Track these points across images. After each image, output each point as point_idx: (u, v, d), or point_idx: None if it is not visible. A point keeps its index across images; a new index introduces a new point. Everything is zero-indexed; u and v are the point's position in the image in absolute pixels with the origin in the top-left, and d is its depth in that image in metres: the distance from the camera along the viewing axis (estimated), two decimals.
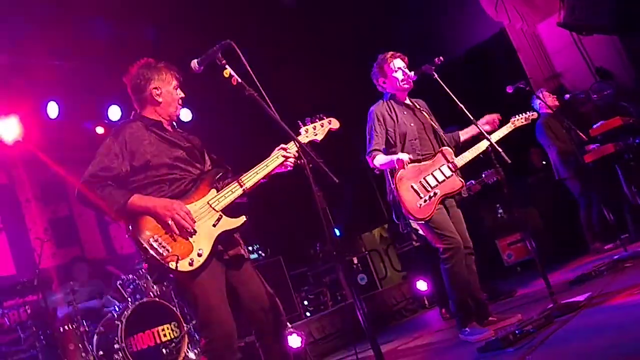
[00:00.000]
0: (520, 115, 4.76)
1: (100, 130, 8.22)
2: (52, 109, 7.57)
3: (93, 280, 6.91)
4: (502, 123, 4.65)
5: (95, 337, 5.73)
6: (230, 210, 3.16)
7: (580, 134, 5.77)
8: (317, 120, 3.53)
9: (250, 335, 6.16)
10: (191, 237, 3.00)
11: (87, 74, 7.45)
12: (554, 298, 3.82)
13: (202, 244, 3.01)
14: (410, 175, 4.27)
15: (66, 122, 7.83)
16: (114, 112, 8.12)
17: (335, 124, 3.61)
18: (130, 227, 2.98)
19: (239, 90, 2.96)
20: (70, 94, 7.69)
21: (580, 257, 6.55)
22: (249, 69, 2.95)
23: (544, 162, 7.94)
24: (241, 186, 3.18)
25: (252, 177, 3.22)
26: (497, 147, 4.15)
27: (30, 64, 6.95)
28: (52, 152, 7.46)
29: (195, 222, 3.03)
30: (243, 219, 3.14)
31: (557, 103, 6.67)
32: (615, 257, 4.98)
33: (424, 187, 4.26)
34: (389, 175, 4.36)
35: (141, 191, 3.08)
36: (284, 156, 3.26)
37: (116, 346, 5.46)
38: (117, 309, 5.92)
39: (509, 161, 4.09)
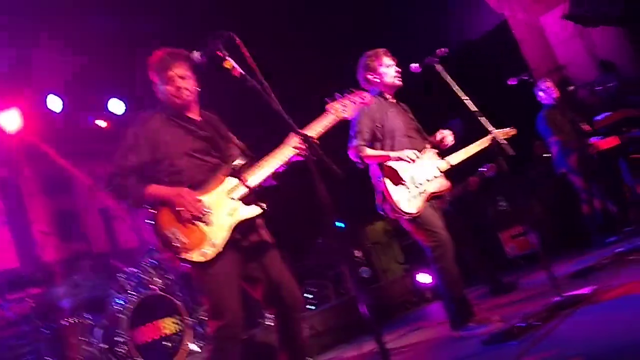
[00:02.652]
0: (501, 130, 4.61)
1: (103, 123, 8.21)
2: (56, 103, 7.57)
3: (97, 274, 6.90)
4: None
5: (99, 330, 5.74)
6: (250, 198, 3.15)
7: (584, 125, 5.75)
8: (347, 94, 3.37)
9: (252, 329, 6.19)
10: (207, 227, 3.02)
11: (90, 67, 7.44)
12: (557, 291, 3.81)
13: (217, 234, 3.02)
14: (400, 170, 4.25)
15: (70, 116, 7.84)
16: (117, 106, 8.13)
17: (368, 98, 3.44)
18: (150, 219, 3.05)
19: (242, 83, 2.95)
20: (73, 87, 7.68)
21: (583, 250, 6.53)
22: (251, 60, 2.93)
23: (546, 155, 7.92)
24: (246, 183, 3.15)
25: (265, 167, 3.18)
26: (501, 139, 4.12)
27: (33, 57, 6.94)
28: (56, 145, 7.48)
29: (208, 211, 3.05)
30: (261, 207, 3.15)
31: (559, 94, 6.61)
32: (618, 250, 4.96)
33: (413, 183, 4.22)
34: (379, 170, 4.28)
35: (161, 182, 3.13)
36: (296, 147, 3.17)
37: (119, 339, 5.47)
38: (120, 303, 5.92)
39: (513, 153, 4.06)
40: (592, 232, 6.63)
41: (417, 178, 4.23)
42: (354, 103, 3.37)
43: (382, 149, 4.32)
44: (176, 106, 3.33)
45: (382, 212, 4.35)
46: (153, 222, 3.04)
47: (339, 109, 3.31)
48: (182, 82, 3.31)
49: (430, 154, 4.38)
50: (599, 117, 6.07)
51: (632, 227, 6.32)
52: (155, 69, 3.35)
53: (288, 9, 7.93)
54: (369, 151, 4.28)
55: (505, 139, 4.26)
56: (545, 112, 6.62)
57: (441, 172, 4.34)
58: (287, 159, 3.20)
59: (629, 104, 6.49)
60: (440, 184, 4.32)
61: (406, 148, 4.28)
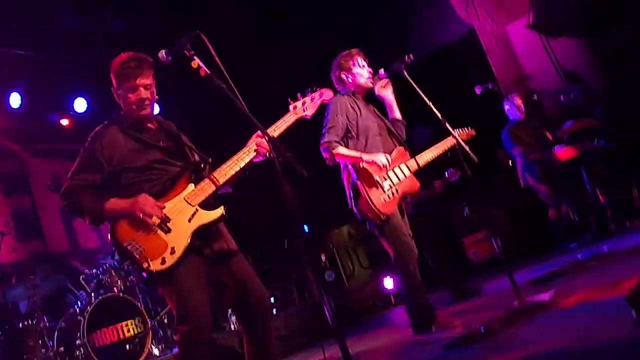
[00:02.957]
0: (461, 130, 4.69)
1: (65, 122, 8.06)
2: (15, 99, 7.40)
3: (55, 275, 6.76)
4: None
5: (56, 332, 5.61)
6: (209, 204, 3.11)
7: (548, 134, 5.85)
8: (309, 94, 3.42)
9: (219, 331, 6.13)
10: (165, 234, 2.96)
11: (52, 64, 7.30)
12: (518, 296, 3.85)
13: (176, 241, 2.97)
14: (373, 169, 4.24)
15: (29, 113, 7.67)
16: (80, 104, 7.98)
17: (327, 95, 3.50)
18: (109, 233, 3.00)
19: (208, 82, 2.91)
20: (34, 84, 7.52)
21: (545, 256, 6.63)
22: (217, 60, 2.91)
23: (510, 163, 8.02)
24: (214, 182, 3.12)
25: (227, 170, 3.15)
26: (463, 144, 4.15)
27: None
28: (16, 143, 7.31)
29: (165, 211, 3.00)
30: (220, 211, 3.10)
31: (525, 110, 6.69)
32: (580, 256, 5.04)
33: (386, 184, 4.23)
34: (351, 169, 4.28)
35: (120, 194, 3.05)
36: (257, 148, 3.17)
37: (78, 342, 5.36)
38: (79, 304, 5.80)
39: (476, 159, 4.09)
40: (556, 237, 6.71)
41: (390, 179, 4.24)
42: (314, 101, 3.42)
43: (355, 147, 4.32)
44: (134, 116, 3.22)
45: (356, 213, 4.33)
46: (112, 236, 2.98)
47: (300, 108, 3.37)
48: (145, 92, 3.18)
49: (398, 155, 4.40)
50: (563, 127, 6.18)
51: (592, 234, 6.44)
52: (119, 75, 3.20)
53: (258, 11, 7.92)
54: (342, 149, 4.27)
55: (468, 142, 4.30)
56: (509, 128, 6.68)
57: (411, 171, 4.37)
58: (249, 161, 3.18)
59: (591, 114, 6.62)
60: (410, 183, 4.35)
61: (379, 147, 4.32)
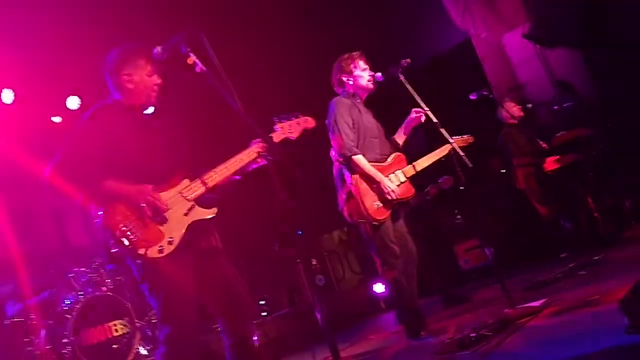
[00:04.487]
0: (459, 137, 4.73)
1: (57, 119, 8.02)
2: (7, 96, 7.36)
3: (44, 272, 6.69)
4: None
5: (43, 330, 5.56)
6: (203, 201, 3.11)
7: (542, 143, 5.87)
8: (293, 118, 3.49)
9: (206, 334, 6.09)
10: (162, 225, 2.95)
11: (45, 62, 7.25)
12: (509, 303, 3.85)
13: (173, 232, 2.96)
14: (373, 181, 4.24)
15: (22, 110, 7.61)
16: (74, 102, 7.94)
17: (310, 123, 3.58)
18: (100, 212, 2.92)
19: (203, 80, 2.90)
20: (26, 81, 7.47)
21: (537, 263, 6.64)
22: (214, 59, 2.90)
23: (502, 171, 8.04)
24: (204, 184, 3.12)
25: (220, 174, 3.17)
26: (459, 150, 4.16)
27: None
28: (8, 140, 7.25)
29: (168, 208, 2.98)
30: (214, 210, 3.11)
31: (521, 114, 6.74)
32: (571, 264, 5.05)
33: (382, 189, 4.23)
34: (346, 173, 4.28)
35: (113, 176, 2.99)
36: (258, 152, 3.20)
37: (65, 340, 5.31)
38: (67, 302, 5.75)
39: (470, 165, 4.09)
40: (547, 244, 6.71)
41: (386, 185, 4.23)
42: (300, 125, 3.50)
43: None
44: (143, 101, 3.26)
45: (346, 216, 4.32)
46: (104, 216, 2.90)
47: (286, 129, 3.44)
48: (159, 79, 3.28)
49: (395, 161, 4.41)
50: (556, 136, 6.21)
51: (584, 243, 6.45)
52: (131, 60, 3.23)
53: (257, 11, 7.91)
54: (362, 159, 4.24)
55: (464, 147, 4.30)
56: (505, 132, 6.72)
57: (407, 177, 4.37)
58: (247, 163, 3.20)
59: (584, 124, 6.65)
60: (405, 189, 4.34)
61: (375, 150, 4.34)
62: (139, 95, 3.25)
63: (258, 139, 3.24)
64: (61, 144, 3.03)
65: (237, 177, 3.27)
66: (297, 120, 3.50)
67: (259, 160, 3.25)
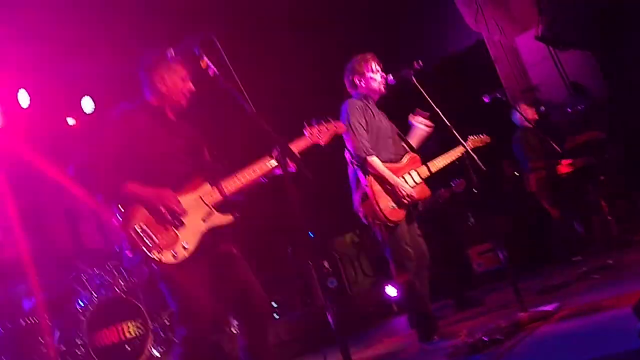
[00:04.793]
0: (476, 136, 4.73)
1: (72, 121, 8.08)
2: (23, 98, 7.42)
3: (58, 274, 6.75)
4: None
5: (57, 331, 5.60)
6: (223, 206, 3.13)
7: (555, 145, 5.83)
8: (323, 122, 3.46)
9: (218, 335, 6.11)
10: (178, 229, 2.97)
11: (60, 63, 7.31)
12: (523, 307, 3.83)
13: (189, 237, 2.98)
14: (385, 179, 4.24)
15: (39, 112, 7.68)
16: (89, 104, 8.00)
17: (341, 128, 3.55)
18: (119, 214, 2.95)
19: (216, 83, 2.91)
20: (42, 83, 7.54)
21: (549, 267, 6.60)
22: (227, 62, 2.91)
23: (516, 173, 7.99)
24: (221, 191, 3.13)
25: (242, 180, 3.18)
26: (472, 153, 4.14)
27: (2, 50, 6.79)
28: (24, 142, 7.31)
29: (186, 213, 2.99)
30: (231, 217, 3.13)
31: (536, 116, 6.71)
32: (584, 268, 5.02)
33: (397, 191, 4.23)
34: (361, 174, 4.28)
35: (136, 179, 3.02)
36: (278, 160, 3.18)
37: (78, 341, 5.35)
38: (81, 304, 5.80)
39: (484, 168, 4.08)
40: (560, 248, 6.66)
41: (401, 189, 4.22)
42: (329, 131, 3.46)
43: None
44: (173, 105, 3.30)
45: (362, 217, 4.32)
46: (122, 219, 2.94)
47: (316, 135, 3.40)
48: (191, 85, 3.33)
49: (409, 162, 4.40)
50: (569, 139, 6.19)
51: (597, 246, 6.40)
52: (165, 64, 3.27)
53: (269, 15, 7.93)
54: (377, 161, 4.25)
55: (480, 148, 4.30)
56: (520, 134, 6.69)
57: (422, 178, 4.36)
58: (266, 172, 3.21)
59: (595, 126, 6.62)
60: (420, 190, 4.34)
61: (390, 150, 4.34)
62: (170, 98, 3.29)
63: (276, 148, 3.18)
64: (86, 143, 3.09)
65: (264, 180, 3.28)
66: (326, 125, 3.46)
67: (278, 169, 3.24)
